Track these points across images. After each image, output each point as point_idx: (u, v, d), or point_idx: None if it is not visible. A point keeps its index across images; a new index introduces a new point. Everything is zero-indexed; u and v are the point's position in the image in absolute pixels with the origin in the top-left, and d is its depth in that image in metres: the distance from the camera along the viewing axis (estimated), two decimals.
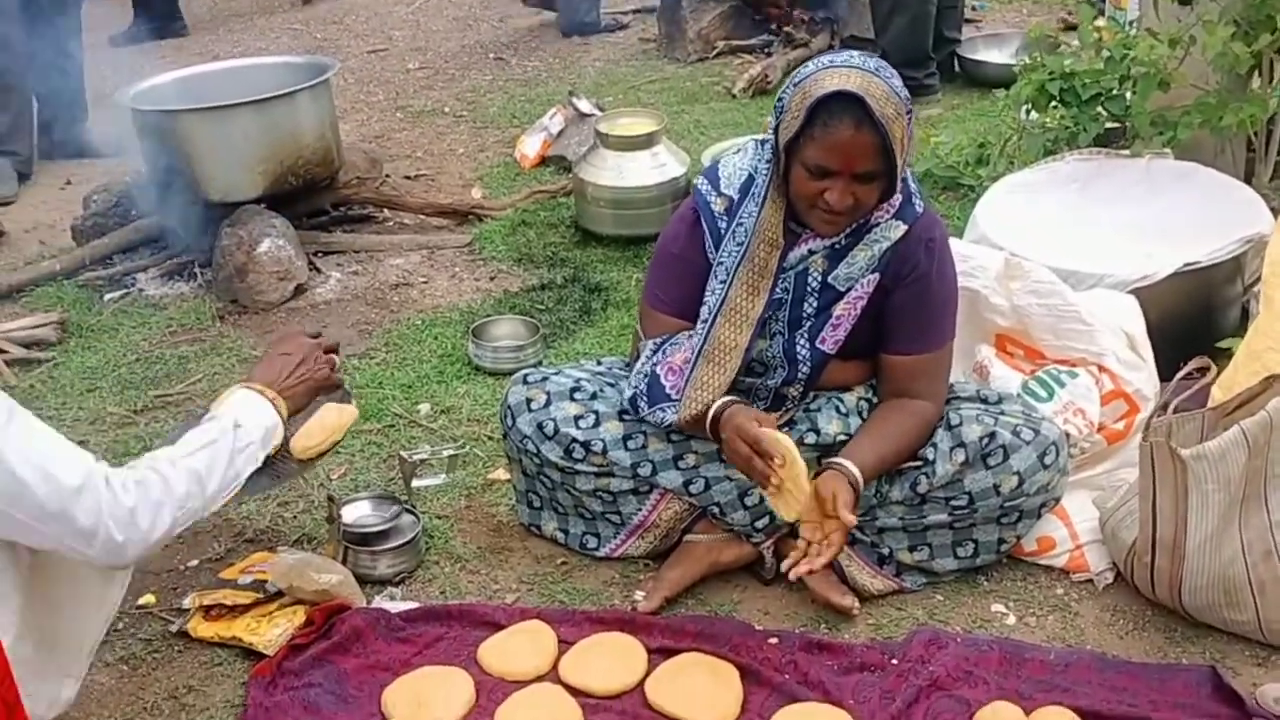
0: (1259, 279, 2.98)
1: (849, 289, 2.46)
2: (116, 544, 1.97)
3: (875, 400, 2.58)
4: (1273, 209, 3.24)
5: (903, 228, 2.44)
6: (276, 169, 3.96)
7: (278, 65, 4.47)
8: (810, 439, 2.52)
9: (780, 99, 2.39)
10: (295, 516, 2.90)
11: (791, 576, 2.38)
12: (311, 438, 2.59)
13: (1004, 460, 2.47)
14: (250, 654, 2.47)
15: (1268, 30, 3.35)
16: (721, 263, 2.47)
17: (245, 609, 2.54)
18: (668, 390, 2.50)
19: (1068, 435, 2.61)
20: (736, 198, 2.48)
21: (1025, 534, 2.61)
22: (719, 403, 2.42)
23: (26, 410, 1.94)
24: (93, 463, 1.98)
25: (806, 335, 2.49)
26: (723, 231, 2.48)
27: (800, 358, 2.50)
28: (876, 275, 2.45)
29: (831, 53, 2.41)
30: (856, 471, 2.38)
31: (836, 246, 2.45)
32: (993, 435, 2.48)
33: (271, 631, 2.48)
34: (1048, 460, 2.50)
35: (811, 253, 2.46)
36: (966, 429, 2.49)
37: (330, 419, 2.64)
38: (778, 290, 2.47)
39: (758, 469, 2.32)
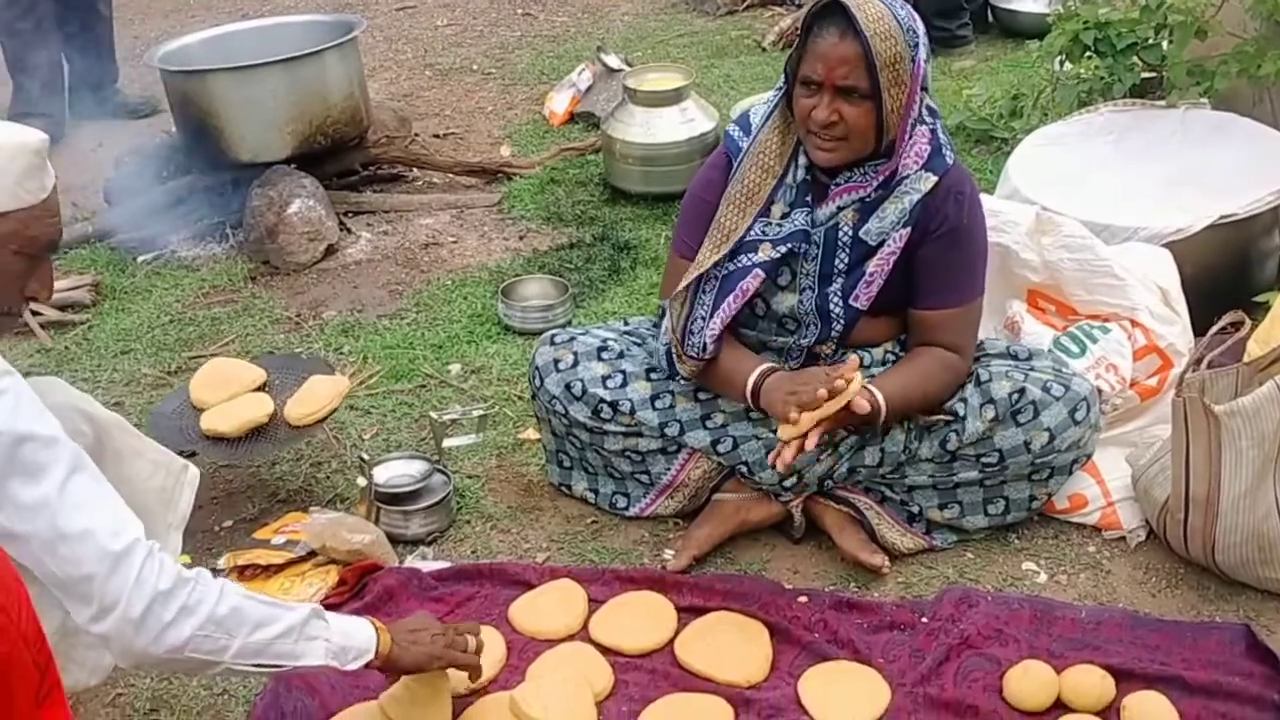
0: None
1: (881, 243, 2.44)
2: (130, 621, 1.72)
3: (901, 355, 2.56)
4: None
5: (933, 179, 2.42)
6: (305, 129, 3.97)
7: (305, 24, 4.48)
8: None
9: (797, 27, 2.40)
10: (328, 477, 2.92)
11: (780, 466, 2.35)
12: (305, 405, 2.70)
13: (1034, 416, 2.46)
14: None
15: None
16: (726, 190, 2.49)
17: (279, 569, 2.57)
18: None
19: (1100, 391, 2.59)
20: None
21: (1056, 491, 2.59)
22: (764, 367, 2.44)
23: (92, 465, 1.79)
24: (141, 534, 1.77)
25: (840, 292, 2.48)
26: None
27: (834, 315, 2.49)
28: (908, 229, 2.43)
29: None
30: (879, 394, 2.37)
31: (865, 200, 2.44)
32: (1022, 391, 2.46)
33: (305, 591, 2.51)
34: (1079, 416, 2.48)
35: (841, 208, 2.45)
36: (996, 385, 2.47)
37: (322, 389, 2.71)
38: (800, 240, 2.46)
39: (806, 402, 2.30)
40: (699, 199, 2.56)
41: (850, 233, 2.46)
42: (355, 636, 1.96)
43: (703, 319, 2.49)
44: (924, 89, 2.39)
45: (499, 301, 3.54)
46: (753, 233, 2.47)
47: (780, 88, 2.47)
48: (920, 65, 2.34)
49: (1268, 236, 3.15)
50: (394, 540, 2.66)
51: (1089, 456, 2.59)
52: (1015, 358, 2.58)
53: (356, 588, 2.50)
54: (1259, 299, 2.93)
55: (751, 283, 2.46)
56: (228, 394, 2.79)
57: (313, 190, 3.92)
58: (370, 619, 2.02)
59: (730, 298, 2.47)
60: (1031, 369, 2.52)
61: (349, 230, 4.08)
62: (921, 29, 2.34)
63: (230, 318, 3.66)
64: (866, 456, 2.50)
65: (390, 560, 2.59)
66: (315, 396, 2.74)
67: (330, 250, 3.95)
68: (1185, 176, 3.19)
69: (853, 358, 2.45)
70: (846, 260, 2.47)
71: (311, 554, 2.58)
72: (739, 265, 2.47)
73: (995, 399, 2.46)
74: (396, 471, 2.81)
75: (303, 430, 2.73)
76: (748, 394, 2.45)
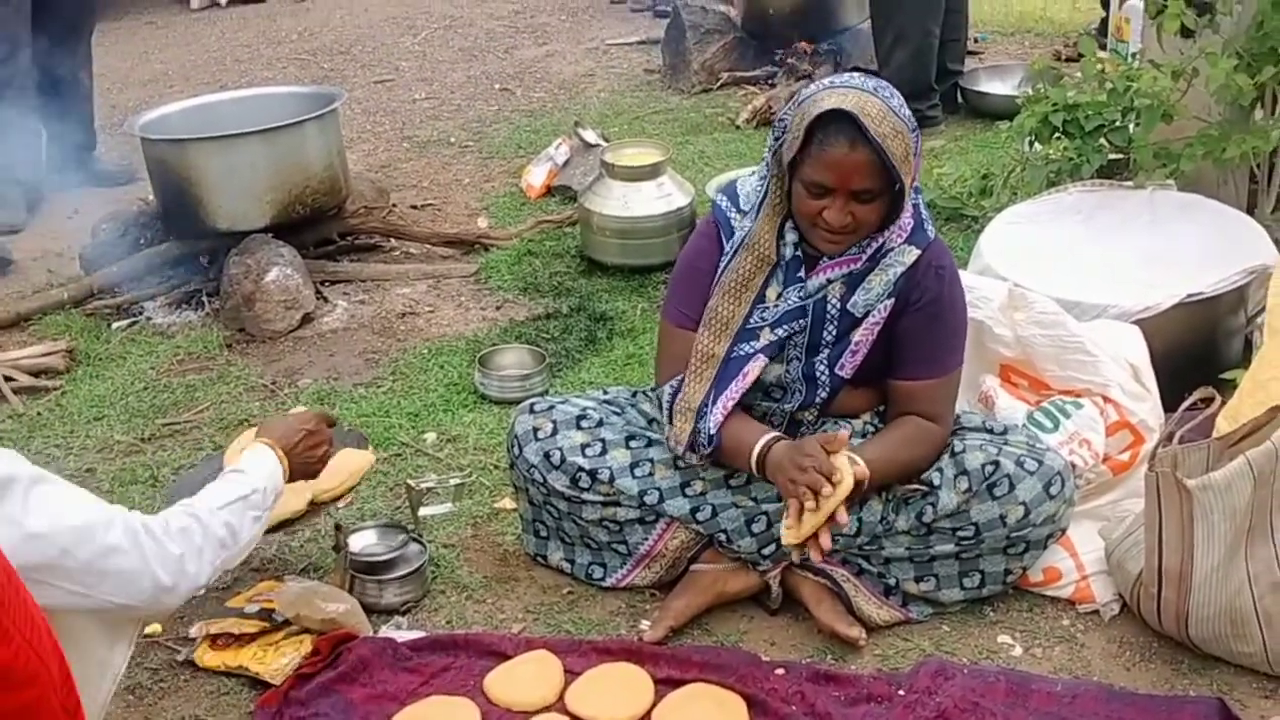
0: (1262, 309, 2.99)
1: (866, 314, 2.48)
2: (166, 588, 2.01)
3: (880, 426, 2.59)
4: (1275, 240, 3.24)
5: (916, 253, 2.46)
6: (284, 198, 3.99)
7: (285, 95, 4.52)
8: None
9: (782, 118, 2.42)
10: (302, 545, 2.90)
11: (796, 558, 2.41)
12: (330, 480, 2.66)
13: (1010, 490, 2.48)
14: (257, 683, 2.47)
15: (1271, 62, 3.37)
16: (718, 275, 2.51)
17: (252, 638, 2.54)
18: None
19: (1073, 466, 2.62)
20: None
21: (1031, 565, 2.61)
22: (768, 437, 2.46)
23: (48, 473, 1.91)
24: (126, 514, 1.99)
25: (826, 361, 2.51)
26: None
27: (820, 381, 2.52)
28: (892, 300, 2.47)
29: (837, 75, 2.44)
30: (861, 462, 2.39)
31: (853, 272, 2.47)
32: (996, 464, 2.48)
33: (278, 661, 2.49)
34: (1053, 490, 2.51)
35: (830, 281, 2.48)
36: (969, 457, 2.50)
37: (349, 463, 2.69)
38: (797, 319, 2.49)
39: (814, 484, 2.32)
40: (693, 267, 2.58)
41: (838, 305, 2.49)
42: (276, 478, 2.38)
43: (705, 407, 2.50)
44: None
45: (476, 371, 3.55)
46: (752, 320, 2.50)
47: (765, 176, 2.48)
48: (918, 147, 2.39)
49: (1234, 315, 3.21)
50: (369, 610, 2.64)
51: (1063, 531, 2.61)
52: (991, 432, 2.60)
53: (331, 657, 2.48)
54: (1226, 376, 2.98)
55: (753, 368, 2.50)
56: None
57: (290, 259, 3.94)
58: (265, 440, 2.43)
59: (732, 385, 2.49)
60: (1006, 443, 2.55)
61: (325, 299, 4.09)
62: (906, 110, 2.38)
63: (205, 385, 3.65)
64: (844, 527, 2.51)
65: (365, 630, 2.57)
66: (342, 469, 2.71)
67: (307, 319, 3.96)
68: (1153, 255, 3.24)
69: (843, 431, 2.47)
70: (834, 331, 2.50)
71: (285, 623, 2.55)
72: (739, 353, 2.51)
73: (969, 470, 2.48)
74: (371, 540, 2.79)
75: (322, 505, 2.72)
76: (753, 465, 2.47)
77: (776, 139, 2.43)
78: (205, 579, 2.11)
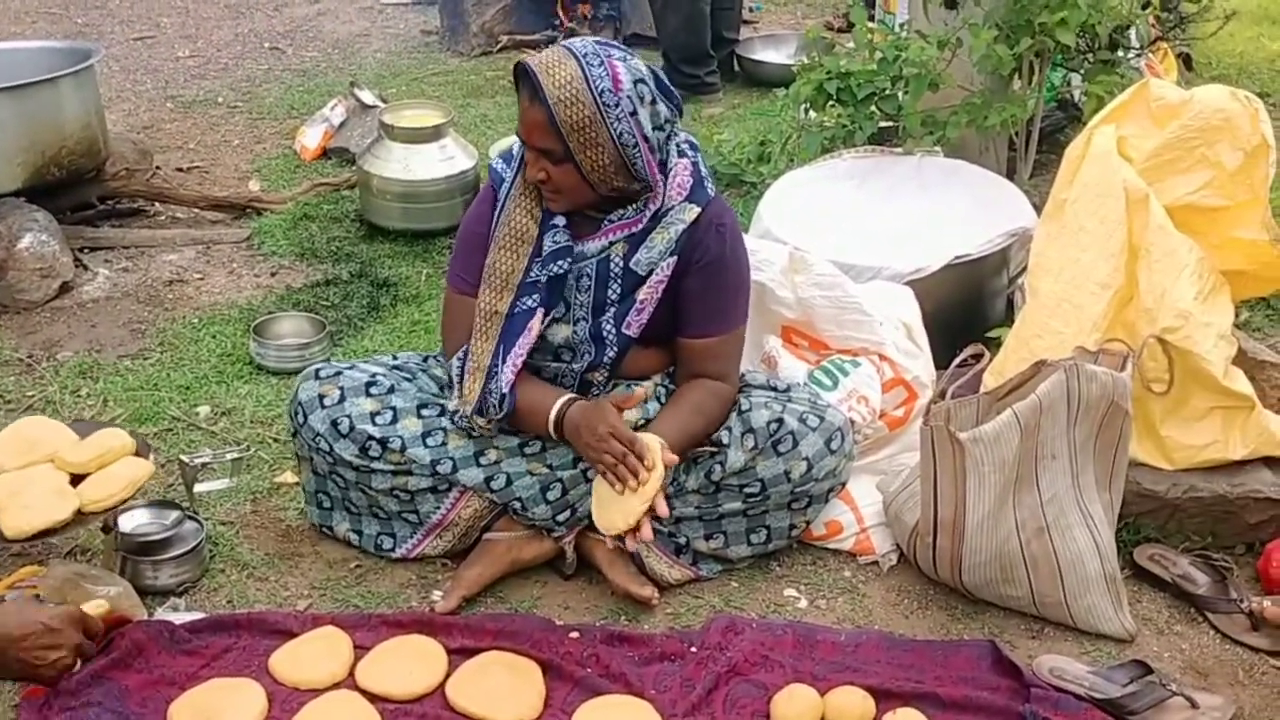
0: (1024, 270, 3.14)
1: (650, 273, 2.49)
2: None
3: (671, 387, 2.61)
4: (1034, 204, 3.42)
5: (696, 210, 2.49)
6: (37, 160, 3.77)
7: (36, 50, 4.26)
8: None
9: None
10: (67, 526, 2.74)
11: (631, 547, 2.43)
12: (101, 490, 2.49)
13: (794, 446, 2.54)
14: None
15: (1028, 34, 3.54)
16: (492, 230, 2.50)
17: None
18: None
19: (852, 422, 2.70)
20: None
21: (814, 519, 2.68)
22: (564, 398, 2.44)
23: None
24: None
25: (612, 320, 2.52)
26: None
27: (608, 341, 2.53)
28: (675, 258, 2.49)
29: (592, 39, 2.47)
30: (666, 445, 2.41)
31: (634, 232, 2.48)
32: (780, 421, 2.54)
33: None
34: (834, 446, 2.58)
35: (612, 242, 2.48)
36: (755, 415, 2.54)
37: (125, 471, 2.52)
38: (583, 278, 2.49)
39: (630, 466, 2.35)
40: (473, 233, 2.56)
41: (621, 264, 2.50)
42: None
43: (495, 366, 2.47)
44: (661, 129, 2.42)
45: (251, 340, 3.41)
46: (531, 274, 2.48)
47: None
48: (631, 119, 2.35)
49: (997, 276, 3.37)
50: (143, 592, 2.52)
51: (844, 485, 2.70)
52: (774, 390, 2.66)
53: (102, 644, 2.35)
54: (992, 334, 3.12)
55: (535, 323, 2.47)
56: (24, 460, 2.54)
57: (46, 224, 3.71)
58: None
59: (519, 341, 2.47)
60: (790, 400, 2.61)
61: (86, 267, 3.87)
62: (630, 83, 2.34)
63: None
64: None
65: (139, 613, 2.45)
66: (119, 478, 2.51)
67: (65, 287, 3.73)
68: (922, 219, 3.38)
69: (638, 389, 2.49)
70: (619, 290, 2.51)
71: None
72: (521, 308, 2.48)
73: (755, 428, 2.53)
74: (143, 519, 2.65)
75: (91, 517, 2.50)
76: (550, 427, 2.47)
77: None
78: None
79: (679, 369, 2.60)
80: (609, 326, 2.52)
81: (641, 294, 2.50)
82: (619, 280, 2.50)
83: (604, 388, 2.59)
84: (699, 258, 2.50)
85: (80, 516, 2.49)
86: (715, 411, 2.55)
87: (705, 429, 2.53)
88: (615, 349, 2.54)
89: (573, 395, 2.49)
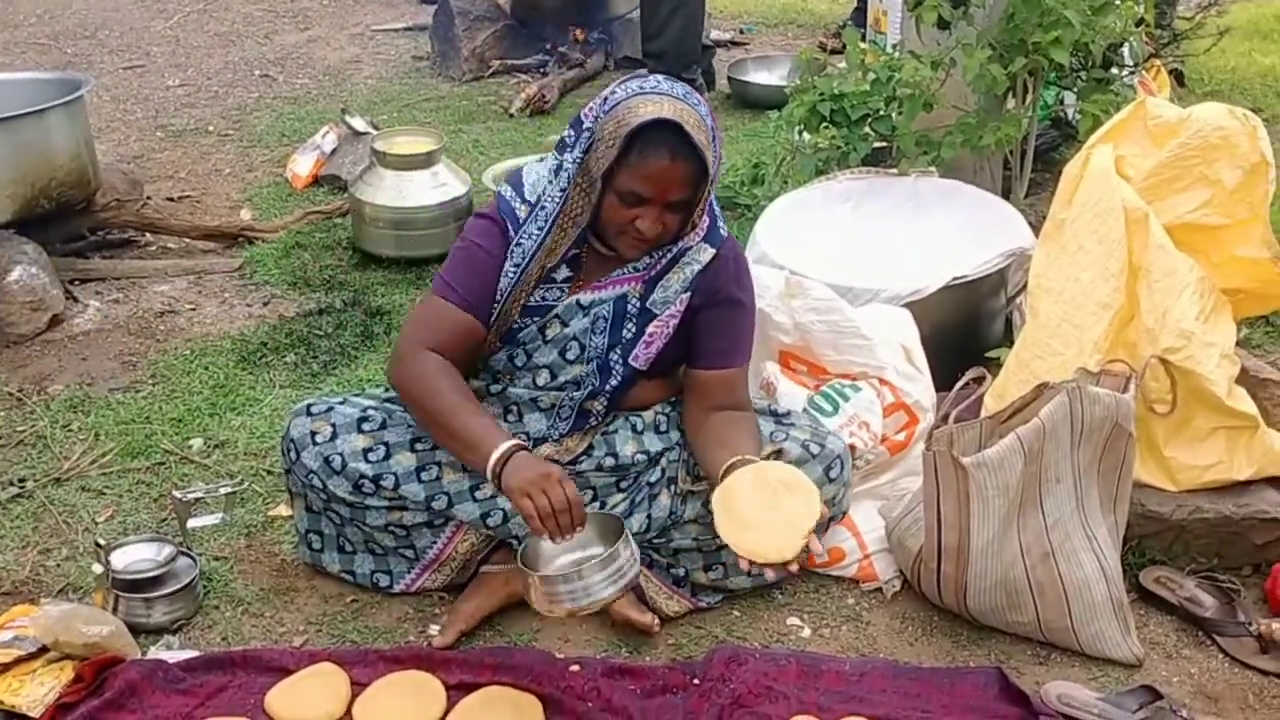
0: (1022, 290, 3.13)
1: (664, 310, 2.47)
2: None
3: (671, 414, 2.59)
4: (1030, 223, 3.40)
5: (711, 251, 2.47)
6: (27, 191, 3.74)
7: (25, 81, 4.23)
8: (608, 462, 2.52)
9: (585, 125, 2.35)
10: (58, 565, 2.71)
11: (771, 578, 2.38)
12: None
13: None
14: (13, 717, 2.29)
15: (1021, 53, 3.53)
16: (501, 287, 2.44)
17: (5, 668, 2.35)
18: None
19: (853, 447, 2.67)
20: (535, 206, 2.44)
21: (815, 547, 2.64)
22: (507, 444, 2.29)
23: None
24: None
25: (620, 352, 2.49)
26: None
27: (613, 371, 2.50)
28: (688, 295, 2.47)
29: (636, 78, 2.38)
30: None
31: (652, 274, 2.46)
32: (780, 451, 2.50)
33: (36, 691, 2.31)
34: (833, 474, 2.55)
35: (629, 290, 2.47)
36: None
37: None
38: (598, 320, 2.47)
39: (568, 521, 2.24)
40: (471, 244, 2.47)
41: (638, 304, 2.48)
42: None
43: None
44: None
45: None
46: (533, 299, 2.46)
47: (565, 188, 2.38)
48: (720, 152, 2.40)
49: (995, 296, 3.35)
50: (136, 630, 2.48)
51: (844, 512, 2.66)
52: (775, 416, 2.63)
53: (95, 684, 2.32)
54: (991, 355, 3.10)
55: None
56: None
57: (35, 256, 3.68)
58: None
59: None
60: (792, 426, 2.58)
61: (76, 299, 3.84)
62: (713, 118, 2.38)
63: None
64: (634, 523, 2.49)
65: (132, 652, 2.42)
66: None
67: (55, 320, 3.70)
68: (919, 240, 3.35)
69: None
70: (633, 330, 2.49)
71: (43, 649, 2.38)
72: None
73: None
74: (136, 556, 2.62)
75: None
76: (489, 467, 2.28)
77: (584, 150, 2.35)
78: None
79: (696, 402, 2.55)
80: (616, 357, 2.50)
81: (651, 328, 2.48)
82: (634, 320, 2.48)
83: (601, 417, 2.55)
84: (715, 294, 2.49)
85: None
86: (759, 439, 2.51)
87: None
88: (619, 379, 2.51)
89: (515, 443, 2.31)
